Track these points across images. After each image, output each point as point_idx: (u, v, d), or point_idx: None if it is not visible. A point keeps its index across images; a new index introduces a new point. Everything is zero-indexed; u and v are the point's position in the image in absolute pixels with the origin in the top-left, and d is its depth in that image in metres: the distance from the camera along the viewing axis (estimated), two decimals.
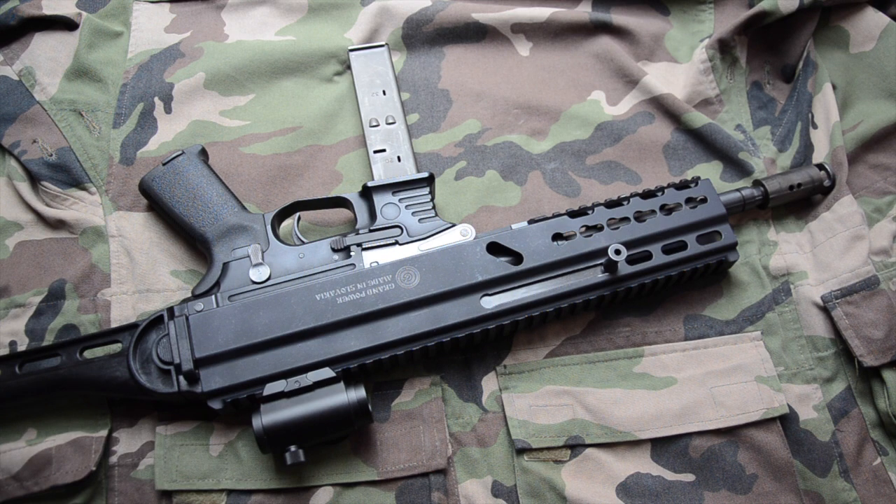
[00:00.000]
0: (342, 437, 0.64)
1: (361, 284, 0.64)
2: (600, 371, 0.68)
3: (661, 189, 0.71)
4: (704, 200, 0.70)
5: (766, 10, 0.79)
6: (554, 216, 0.69)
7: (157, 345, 0.62)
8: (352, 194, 0.71)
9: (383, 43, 0.82)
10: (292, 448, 0.59)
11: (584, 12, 0.85)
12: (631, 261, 0.67)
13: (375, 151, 0.75)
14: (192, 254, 0.72)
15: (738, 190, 0.72)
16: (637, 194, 0.70)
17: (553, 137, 0.80)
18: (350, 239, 0.67)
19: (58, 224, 0.72)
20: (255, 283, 0.65)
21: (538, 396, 0.66)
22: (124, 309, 0.69)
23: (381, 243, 0.67)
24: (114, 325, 0.68)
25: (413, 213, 0.69)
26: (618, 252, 0.64)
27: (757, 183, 0.73)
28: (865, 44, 0.80)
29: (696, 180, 0.71)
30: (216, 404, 0.61)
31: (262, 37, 0.83)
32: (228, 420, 0.65)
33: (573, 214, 0.69)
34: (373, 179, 0.72)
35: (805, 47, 0.81)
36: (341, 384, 0.61)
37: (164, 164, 0.70)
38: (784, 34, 0.82)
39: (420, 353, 0.64)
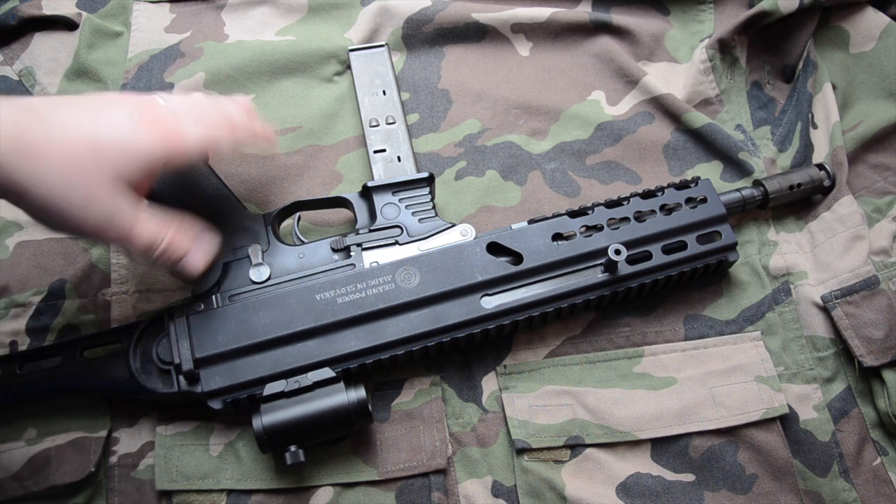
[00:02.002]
0: (342, 437, 0.64)
1: (361, 284, 0.64)
2: (600, 371, 0.68)
3: (661, 189, 0.71)
4: (704, 200, 0.70)
5: (766, 10, 0.79)
6: (554, 216, 0.69)
7: (157, 345, 0.62)
8: (352, 194, 0.71)
9: (383, 43, 0.82)
10: (292, 448, 0.59)
11: (584, 12, 0.85)
12: (631, 261, 0.67)
13: (375, 151, 0.75)
14: None
15: (738, 190, 0.72)
16: (637, 194, 0.70)
17: (553, 137, 0.80)
18: (350, 239, 0.67)
19: None
20: (255, 283, 0.65)
21: (538, 396, 0.66)
22: (124, 309, 0.69)
23: (381, 243, 0.67)
24: (114, 325, 0.68)
25: (413, 213, 0.69)
26: (618, 252, 0.64)
27: (757, 183, 0.73)
28: (865, 44, 0.80)
29: (696, 180, 0.71)
30: (216, 404, 0.61)
31: (262, 37, 0.83)
32: (228, 420, 0.65)
33: (573, 214, 0.69)
34: (373, 179, 0.72)
35: (805, 47, 0.81)
36: (341, 384, 0.61)
37: (164, 165, 0.70)
38: (784, 34, 0.82)
39: (420, 353, 0.64)
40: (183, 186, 0.70)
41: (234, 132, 0.58)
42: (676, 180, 0.74)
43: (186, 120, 0.55)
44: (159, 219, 0.56)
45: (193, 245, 0.59)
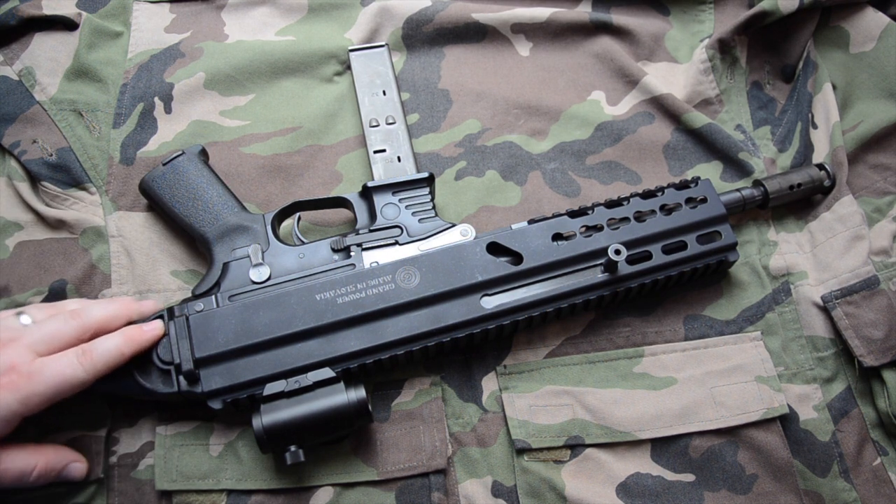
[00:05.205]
0: (342, 437, 0.64)
1: (361, 284, 0.64)
2: (600, 371, 0.68)
3: (661, 189, 0.71)
4: (704, 200, 0.70)
5: (766, 10, 0.79)
6: (554, 216, 0.69)
7: (157, 345, 0.62)
8: (352, 194, 0.71)
9: (383, 43, 0.82)
10: (292, 448, 0.59)
11: (584, 12, 0.85)
12: (631, 261, 0.67)
13: (375, 151, 0.75)
14: (192, 254, 0.72)
15: (738, 190, 0.72)
16: (637, 194, 0.70)
17: (553, 137, 0.80)
18: (350, 239, 0.67)
19: (58, 224, 0.72)
20: (255, 283, 0.65)
21: (538, 396, 0.66)
22: None
23: (381, 243, 0.67)
24: None
25: (413, 213, 0.69)
26: (618, 252, 0.64)
27: (757, 183, 0.73)
28: (865, 44, 0.80)
29: (696, 180, 0.71)
30: (216, 404, 0.61)
31: (262, 37, 0.83)
32: (228, 420, 0.65)
33: (573, 214, 0.69)
34: (373, 179, 0.73)
35: (805, 47, 0.81)
36: (341, 384, 0.61)
37: (164, 165, 0.70)
38: (784, 34, 0.82)
39: (420, 353, 0.64)
40: (182, 187, 0.70)
41: (90, 359, 0.57)
42: (676, 180, 0.74)
43: (40, 365, 0.56)
44: (25, 452, 0.58)
45: (71, 455, 0.60)
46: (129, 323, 0.62)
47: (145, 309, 0.64)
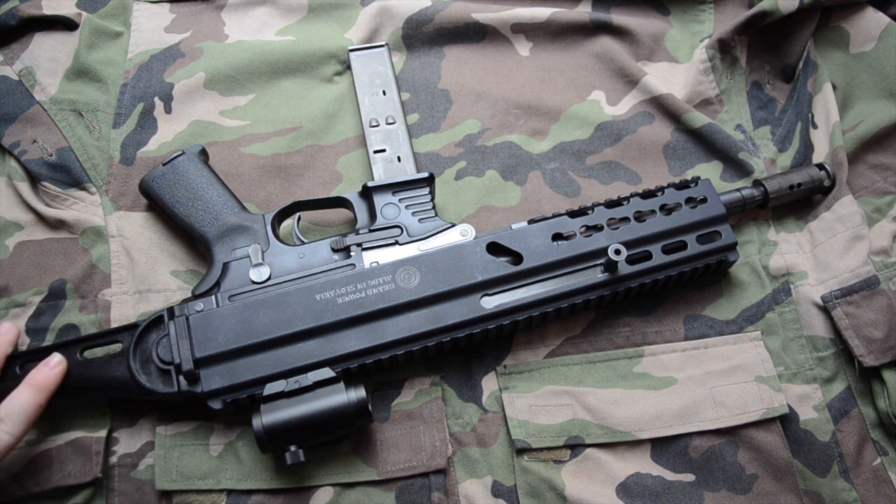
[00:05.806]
0: (342, 437, 0.64)
1: (361, 284, 0.64)
2: (600, 371, 0.68)
3: (661, 189, 0.71)
4: (704, 200, 0.70)
5: (766, 10, 0.79)
6: (554, 216, 0.69)
7: (157, 345, 0.62)
8: (352, 194, 0.71)
9: (383, 43, 0.82)
10: (292, 448, 0.59)
11: (584, 12, 0.85)
12: (631, 261, 0.67)
13: (375, 151, 0.75)
14: (192, 254, 0.72)
15: (738, 190, 0.73)
16: (637, 194, 0.70)
17: (553, 137, 0.80)
18: (350, 239, 0.67)
19: (58, 224, 0.72)
20: (255, 283, 0.65)
21: (538, 396, 0.66)
22: (124, 309, 0.69)
23: (381, 243, 0.67)
24: (114, 325, 0.68)
25: (413, 213, 0.69)
26: (618, 252, 0.64)
27: (757, 183, 0.73)
28: (865, 44, 0.80)
29: (696, 180, 0.71)
30: (216, 404, 0.61)
31: (262, 37, 0.83)
32: (228, 420, 0.65)
33: (573, 214, 0.69)
34: (373, 179, 0.73)
35: (805, 47, 0.81)
36: (341, 384, 0.61)
37: (164, 164, 0.70)
38: (784, 34, 0.82)
39: (420, 353, 0.64)
40: (182, 187, 0.70)
41: (10, 424, 0.56)
42: (676, 180, 0.74)
43: None
44: None
45: None
46: (10, 356, 0.61)
47: (5, 335, 0.62)
